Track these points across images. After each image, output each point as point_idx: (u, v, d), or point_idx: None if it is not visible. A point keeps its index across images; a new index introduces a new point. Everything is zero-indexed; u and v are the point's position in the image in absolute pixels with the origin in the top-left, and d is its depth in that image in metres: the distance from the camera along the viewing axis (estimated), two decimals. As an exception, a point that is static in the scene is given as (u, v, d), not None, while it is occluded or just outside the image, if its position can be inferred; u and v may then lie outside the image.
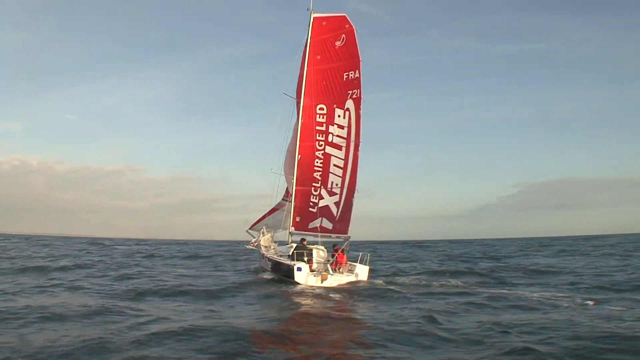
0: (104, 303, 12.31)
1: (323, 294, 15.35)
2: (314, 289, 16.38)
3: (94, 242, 73.51)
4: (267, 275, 20.19)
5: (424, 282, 18.70)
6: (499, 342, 8.68)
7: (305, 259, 18.58)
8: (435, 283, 18.55)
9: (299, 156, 21.27)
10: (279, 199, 23.43)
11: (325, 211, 20.87)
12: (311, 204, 21.12)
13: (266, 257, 20.71)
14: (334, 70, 20.98)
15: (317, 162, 21.08)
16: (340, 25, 20.94)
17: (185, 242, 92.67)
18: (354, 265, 19.00)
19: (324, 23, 21.28)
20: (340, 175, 20.72)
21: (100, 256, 34.14)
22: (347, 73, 20.71)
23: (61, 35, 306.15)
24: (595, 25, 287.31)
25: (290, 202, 21.76)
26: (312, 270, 17.91)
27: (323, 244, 20.59)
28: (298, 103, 21.63)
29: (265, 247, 22.23)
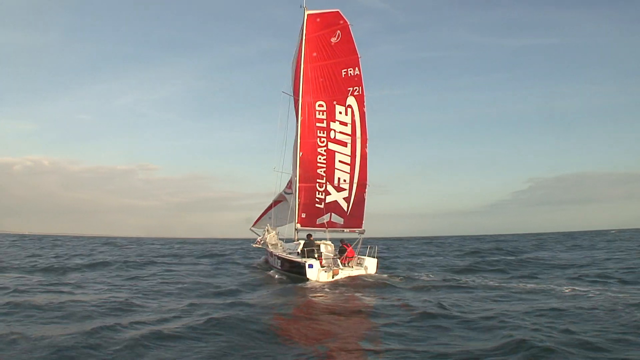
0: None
1: (335, 289, 15.51)
2: (324, 286, 16.34)
3: (108, 241, 74.44)
4: (274, 273, 20.17)
5: (441, 277, 18.62)
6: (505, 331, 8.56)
7: (316, 255, 18.56)
8: (451, 278, 18.41)
9: (301, 153, 21.35)
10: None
11: (333, 207, 20.95)
12: (317, 200, 21.20)
13: (275, 255, 20.64)
14: (331, 67, 20.99)
15: (320, 159, 21.13)
16: (334, 21, 20.92)
17: (203, 242, 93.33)
18: (363, 258, 19.07)
19: (318, 20, 21.27)
20: (348, 171, 20.82)
21: (115, 256, 34.51)
22: (345, 70, 20.73)
23: (74, 35, 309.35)
24: (608, 17, 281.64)
25: (291, 194, 21.88)
26: (322, 266, 17.87)
27: (333, 239, 20.72)
28: (296, 101, 21.65)
29: (272, 245, 22.17)
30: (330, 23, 21.02)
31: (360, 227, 20.52)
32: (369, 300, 13.63)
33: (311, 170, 21.22)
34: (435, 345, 8.16)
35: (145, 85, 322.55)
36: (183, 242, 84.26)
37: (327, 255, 19.26)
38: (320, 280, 17.32)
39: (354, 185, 20.68)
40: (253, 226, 23.96)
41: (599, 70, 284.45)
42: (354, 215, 20.69)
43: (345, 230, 20.78)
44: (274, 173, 22.84)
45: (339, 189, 20.92)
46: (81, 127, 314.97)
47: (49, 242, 61.41)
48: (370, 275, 18.19)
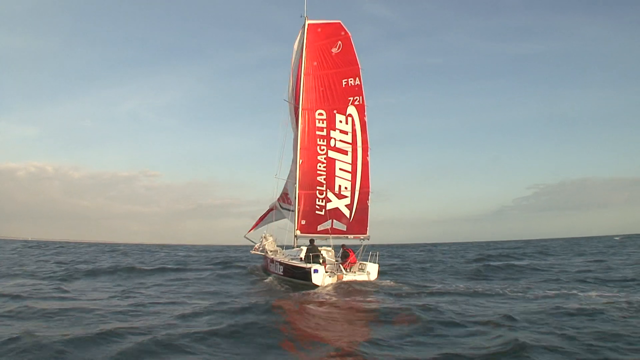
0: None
1: (341, 294, 15.60)
2: (330, 291, 16.34)
3: (112, 248, 74.61)
4: (274, 279, 19.98)
5: (446, 284, 18.73)
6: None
7: (320, 260, 18.67)
8: (456, 284, 18.49)
9: (300, 160, 21.56)
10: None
11: (335, 213, 21.18)
12: (317, 207, 21.43)
13: (277, 261, 20.68)
14: (331, 77, 21.33)
15: (320, 167, 21.40)
16: (335, 32, 21.30)
17: (205, 248, 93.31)
18: (365, 264, 19.20)
19: (319, 30, 21.63)
20: (349, 179, 21.13)
21: (119, 262, 34.58)
22: (345, 80, 21.11)
23: (76, 40, 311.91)
24: (610, 22, 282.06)
25: (287, 210, 22.17)
26: (326, 272, 17.94)
27: (333, 244, 20.81)
28: (296, 109, 21.87)
29: (272, 251, 22.17)
30: (331, 33, 21.39)
31: (365, 234, 20.82)
32: (376, 306, 13.58)
33: (311, 177, 21.45)
34: (437, 352, 8.23)
35: (148, 91, 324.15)
36: (185, 248, 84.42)
37: (330, 260, 19.36)
38: (326, 285, 17.39)
39: (356, 193, 20.98)
40: (248, 233, 23.99)
41: (601, 75, 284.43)
42: (358, 222, 20.95)
43: (350, 236, 21.00)
44: (274, 180, 22.98)
45: (340, 196, 21.17)
46: (84, 133, 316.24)
47: (52, 249, 61.65)
48: (374, 282, 18.31)
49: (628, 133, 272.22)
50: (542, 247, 63.53)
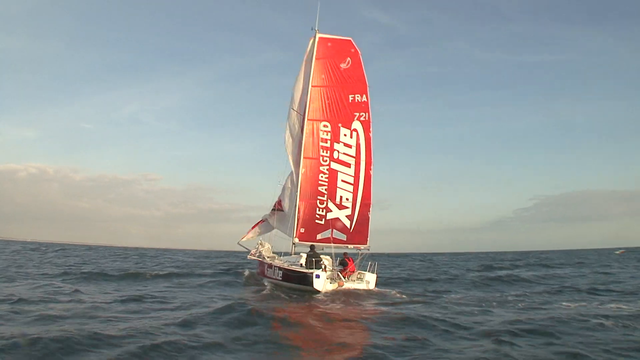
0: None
1: (342, 302, 15.73)
2: (331, 298, 16.44)
3: (112, 251, 74.72)
4: (272, 284, 20.02)
5: (445, 293, 18.93)
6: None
7: (322, 266, 18.80)
8: (455, 293, 18.61)
9: (303, 169, 21.88)
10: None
11: (335, 223, 21.49)
12: (317, 216, 21.75)
13: (275, 266, 20.79)
14: (339, 91, 21.81)
15: (322, 177, 21.79)
16: (345, 49, 21.85)
17: (206, 253, 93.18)
18: (363, 273, 19.41)
19: (329, 44, 22.12)
20: (351, 190, 21.49)
21: (121, 265, 34.66)
22: (352, 95, 21.61)
23: (77, 43, 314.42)
24: (612, 34, 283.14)
25: (280, 211, 22.66)
26: (326, 278, 18.10)
27: (330, 253, 20.89)
28: (301, 119, 22.21)
29: (269, 257, 22.30)
30: (341, 49, 21.92)
31: (365, 244, 21.14)
32: (380, 314, 13.63)
33: (312, 187, 21.81)
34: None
35: (149, 95, 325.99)
36: (185, 253, 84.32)
37: (329, 267, 19.48)
38: (326, 291, 17.57)
39: (357, 204, 21.36)
40: (241, 240, 24.09)
41: (603, 87, 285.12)
42: (358, 232, 21.29)
43: (350, 246, 21.27)
44: (276, 186, 23.20)
45: (341, 207, 21.53)
46: (84, 136, 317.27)
47: (52, 251, 61.74)
48: (374, 290, 18.51)
49: (630, 146, 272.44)
50: (543, 259, 63.43)
